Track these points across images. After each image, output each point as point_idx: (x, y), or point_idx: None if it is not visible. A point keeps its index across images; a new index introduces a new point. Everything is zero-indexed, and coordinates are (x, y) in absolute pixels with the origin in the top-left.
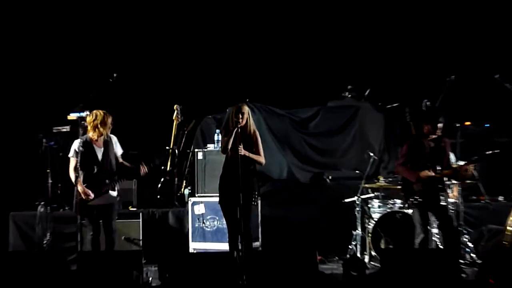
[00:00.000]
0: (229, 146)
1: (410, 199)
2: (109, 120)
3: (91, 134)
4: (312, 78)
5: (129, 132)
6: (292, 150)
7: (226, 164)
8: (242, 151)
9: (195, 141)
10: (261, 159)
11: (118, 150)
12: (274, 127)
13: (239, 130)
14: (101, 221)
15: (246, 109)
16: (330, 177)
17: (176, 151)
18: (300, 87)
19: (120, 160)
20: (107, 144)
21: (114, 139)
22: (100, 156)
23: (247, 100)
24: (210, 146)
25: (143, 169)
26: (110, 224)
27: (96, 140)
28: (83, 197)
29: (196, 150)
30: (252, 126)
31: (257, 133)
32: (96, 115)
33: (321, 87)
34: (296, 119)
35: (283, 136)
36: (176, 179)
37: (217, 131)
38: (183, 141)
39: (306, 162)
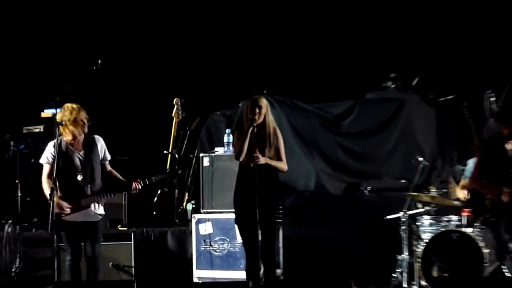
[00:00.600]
0: (245, 150)
1: (481, 218)
2: (81, 115)
3: (63, 135)
4: (346, 64)
5: (118, 133)
6: (321, 155)
7: (242, 173)
8: (261, 159)
9: (199, 143)
10: (283, 165)
11: (106, 155)
12: (298, 126)
13: (255, 129)
14: (82, 243)
15: (264, 102)
16: (368, 188)
17: (176, 156)
18: (331, 76)
19: (108, 168)
20: (90, 147)
21: (101, 141)
22: (78, 162)
23: (265, 92)
24: (219, 150)
25: (136, 186)
26: (94, 248)
27: (73, 142)
28: (58, 211)
29: (201, 155)
30: (272, 123)
31: (278, 132)
32: (65, 110)
33: (358, 76)
34: (326, 116)
35: (310, 137)
36: (176, 191)
37: (227, 130)
38: (185, 143)
39: (338, 170)
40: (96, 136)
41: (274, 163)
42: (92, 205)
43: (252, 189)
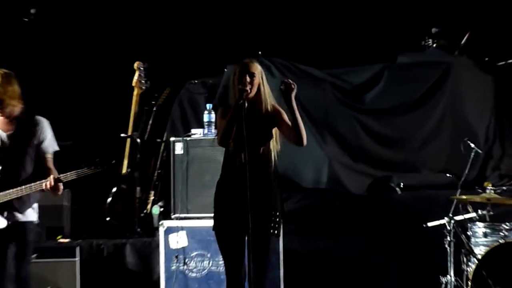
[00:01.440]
0: (231, 133)
1: None
2: (13, 86)
3: None
4: (370, 15)
5: (58, 110)
6: (337, 139)
7: (227, 165)
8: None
9: (170, 123)
10: (303, 134)
11: (47, 143)
12: (306, 100)
13: (246, 104)
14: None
15: (258, 68)
16: (401, 185)
17: (138, 140)
18: (350, 31)
19: (48, 159)
20: (20, 128)
21: (42, 123)
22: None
23: (260, 54)
24: (197, 132)
25: (47, 185)
26: (20, 265)
27: None
28: None
29: (172, 139)
30: (269, 96)
31: (280, 109)
32: None
33: (386, 31)
34: (344, 86)
35: (321, 115)
36: (138, 189)
37: (208, 106)
38: (149, 123)
39: (360, 159)
40: (39, 118)
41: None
42: (19, 210)
43: (240, 186)
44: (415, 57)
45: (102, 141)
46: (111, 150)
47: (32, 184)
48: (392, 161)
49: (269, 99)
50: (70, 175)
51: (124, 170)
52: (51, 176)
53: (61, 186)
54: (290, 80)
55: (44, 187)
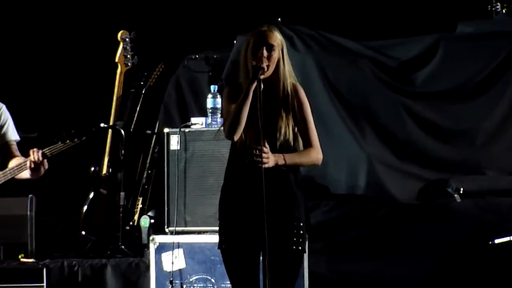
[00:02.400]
0: (242, 123)
1: None
2: None
3: None
4: None
5: (20, 95)
6: (379, 132)
7: (236, 162)
8: (270, 160)
9: (163, 110)
10: (315, 154)
11: (11, 128)
12: (338, 81)
13: (262, 86)
14: None
15: (278, 39)
16: (461, 190)
17: (123, 132)
18: None
19: (14, 146)
20: None
21: (2, 106)
22: None
23: (279, 21)
24: (198, 122)
25: (36, 157)
26: None
27: None
28: None
29: (166, 130)
30: (290, 76)
31: (301, 91)
32: None
33: None
34: (388, 63)
35: (358, 101)
36: (122, 194)
37: (213, 88)
38: (137, 110)
39: (409, 158)
40: None
41: (298, 157)
42: None
43: (253, 190)
44: (480, 26)
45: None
46: (89, 144)
47: (15, 166)
48: (449, 160)
49: (290, 79)
50: (55, 148)
51: (104, 171)
52: (34, 149)
53: (46, 163)
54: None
55: (29, 164)
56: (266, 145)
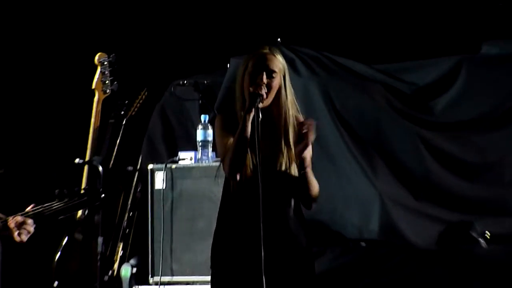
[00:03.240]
0: (242, 158)
1: None
2: None
3: None
4: None
5: None
6: (393, 167)
7: (231, 204)
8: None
9: (146, 143)
10: (314, 187)
11: None
12: (346, 110)
13: (260, 117)
14: None
15: (280, 63)
16: (487, 234)
17: (100, 168)
18: (408, 7)
19: None
20: None
21: None
22: None
23: (279, 41)
24: (186, 157)
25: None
26: None
27: None
28: None
29: (150, 166)
30: (291, 106)
31: (303, 122)
32: None
33: (463, 8)
34: (402, 89)
35: (369, 133)
36: (100, 239)
37: (204, 117)
38: (117, 143)
39: (427, 197)
40: None
41: (315, 179)
42: None
43: (251, 235)
44: (507, 46)
45: (48, 169)
46: (60, 183)
47: None
48: (473, 200)
49: (292, 109)
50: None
51: (79, 213)
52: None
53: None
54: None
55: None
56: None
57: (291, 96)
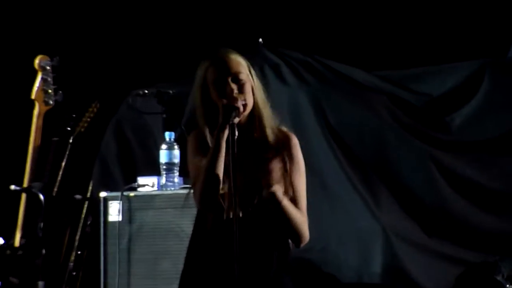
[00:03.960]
0: (219, 188)
1: None
2: None
3: None
4: None
5: None
6: (399, 196)
7: (204, 241)
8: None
9: (99, 166)
10: (302, 218)
11: None
12: (342, 125)
13: (236, 134)
14: None
15: (241, 62)
16: None
17: (41, 197)
18: (418, 3)
19: None
20: None
21: None
22: None
23: (260, 42)
24: (147, 183)
25: None
26: None
27: None
28: None
29: (102, 195)
30: (268, 115)
31: (293, 138)
32: None
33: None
34: (411, 100)
35: (371, 154)
36: (40, 284)
37: (168, 135)
38: (62, 167)
39: (441, 233)
40: None
41: (294, 211)
42: None
43: (226, 279)
44: None
45: None
46: None
47: None
48: (498, 235)
49: (268, 119)
50: None
51: (19, 243)
52: None
53: None
54: None
55: None
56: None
57: (261, 95)
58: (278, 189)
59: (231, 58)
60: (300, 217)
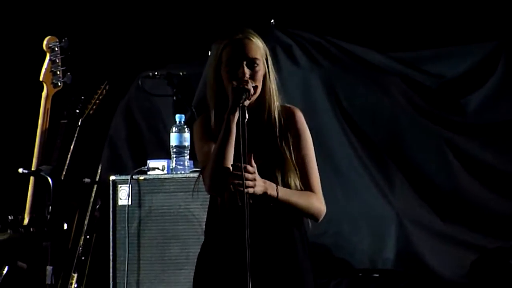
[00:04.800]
0: (222, 171)
1: None
2: None
3: None
4: None
5: None
6: (413, 180)
7: (215, 223)
8: (259, 184)
9: (108, 149)
10: (315, 201)
11: None
12: (355, 107)
13: (247, 117)
14: None
15: (260, 48)
16: None
17: (50, 180)
18: None
19: None
20: None
21: None
22: None
23: (272, 23)
24: (157, 166)
25: None
26: None
27: None
28: None
29: (112, 178)
30: (277, 97)
31: (301, 117)
32: None
33: None
34: (425, 82)
35: (384, 137)
36: (49, 269)
37: (179, 117)
38: (71, 149)
39: (456, 217)
40: None
41: (296, 195)
42: None
43: (238, 262)
44: None
45: None
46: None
47: None
48: None
49: (276, 101)
50: None
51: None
52: None
53: None
54: None
55: None
56: (253, 164)
57: (275, 85)
58: (269, 186)
59: (250, 42)
60: (306, 198)
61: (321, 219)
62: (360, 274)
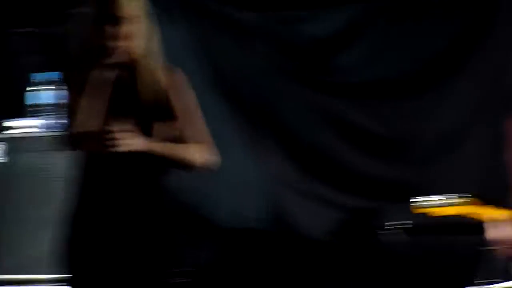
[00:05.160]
0: (86, 127)
1: None
2: None
3: None
4: None
5: None
6: (283, 141)
7: (85, 181)
8: (133, 141)
9: None
10: (205, 148)
11: None
12: (225, 70)
13: (113, 77)
14: None
15: (133, 5)
16: (391, 224)
17: None
18: None
19: None
20: None
21: None
22: None
23: None
24: (20, 124)
25: None
26: None
27: None
28: None
29: None
30: (159, 59)
31: (181, 77)
32: None
33: None
34: (294, 41)
35: (252, 99)
36: None
37: (38, 76)
38: None
39: (324, 178)
40: None
41: (182, 148)
42: None
43: (109, 219)
44: None
45: None
46: None
47: None
48: (379, 182)
49: (154, 68)
50: None
51: None
52: None
53: None
54: None
55: None
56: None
57: (155, 43)
58: (148, 142)
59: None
60: (189, 150)
61: (211, 168)
62: (226, 232)
